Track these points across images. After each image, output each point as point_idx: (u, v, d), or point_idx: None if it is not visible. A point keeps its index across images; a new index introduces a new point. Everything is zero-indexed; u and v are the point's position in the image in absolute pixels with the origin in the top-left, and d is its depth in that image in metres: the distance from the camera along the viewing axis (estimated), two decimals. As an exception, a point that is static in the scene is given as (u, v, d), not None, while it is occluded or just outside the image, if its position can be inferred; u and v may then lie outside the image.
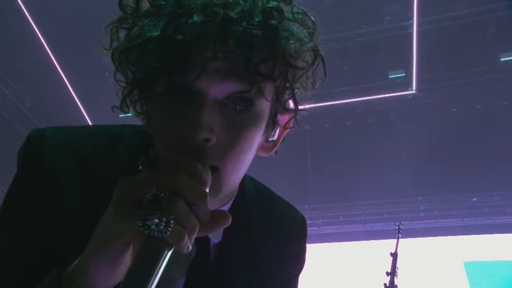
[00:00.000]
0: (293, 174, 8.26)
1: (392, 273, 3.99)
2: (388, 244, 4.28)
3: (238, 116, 0.66)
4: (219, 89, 0.63)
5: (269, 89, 0.67)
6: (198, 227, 0.54)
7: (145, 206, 0.51)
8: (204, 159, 0.62)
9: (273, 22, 0.63)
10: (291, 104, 0.73)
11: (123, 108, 0.71)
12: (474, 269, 7.97)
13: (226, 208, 0.81)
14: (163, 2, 0.63)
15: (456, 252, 8.10)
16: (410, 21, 7.03)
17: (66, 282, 0.58)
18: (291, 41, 0.66)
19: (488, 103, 7.94)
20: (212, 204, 0.61)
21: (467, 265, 8.01)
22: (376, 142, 8.07)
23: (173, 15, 0.62)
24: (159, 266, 0.50)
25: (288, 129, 0.79)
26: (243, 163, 0.69)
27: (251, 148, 0.70)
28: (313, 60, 0.71)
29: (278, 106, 0.71)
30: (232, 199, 0.82)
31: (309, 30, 0.70)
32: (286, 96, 0.71)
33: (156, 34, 0.62)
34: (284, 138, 0.79)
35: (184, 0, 0.62)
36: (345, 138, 8.24)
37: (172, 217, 0.51)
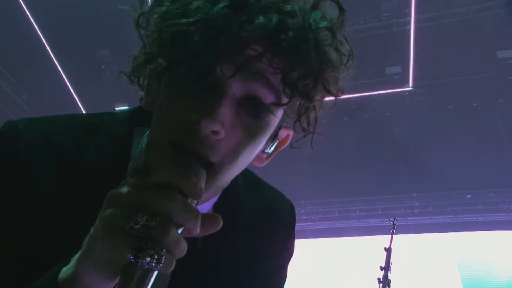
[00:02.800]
0: (289, 169, 8.27)
1: (386, 268, 4.03)
2: (383, 240, 4.31)
3: (250, 121, 0.64)
4: (244, 86, 0.62)
5: (289, 105, 0.67)
6: (186, 248, 0.53)
7: (135, 234, 0.50)
8: (204, 151, 0.61)
9: (325, 43, 0.63)
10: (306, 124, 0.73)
11: (131, 77, 0.69)
12: (467, 266, 8.04)
13: (213, 200, 0.80)
14: None
15: (449, 249, 8.16)
16: (408, 18, 7.02)
17: None
18: (333, 57, 0.65)
19: (485, 100, 7.97)
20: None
21: (460, 261, 8.08)
22: (372, 138, 8.09)
23: (236, 8, 0.60)
24: (145, 286, 0.50)
25: (284, 146, 0.78)
26: (239, 166, 0.68)
27: (251, 153, 0.69)
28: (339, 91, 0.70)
29: (284, 119, 0.71)
30: (218, 194, 0.81)
31: (344, 58, 0.69)
32: (298, 113, 0.70)
33: (211, 17, 0.59)
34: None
35: None
36: (341, 134, 8.25)
37: (164, 251, 0.50)
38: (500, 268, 7.90)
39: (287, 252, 0.95)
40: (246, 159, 0.69)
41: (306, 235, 8.72)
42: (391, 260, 4.07)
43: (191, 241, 0.74)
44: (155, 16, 0.65)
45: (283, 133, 0.75)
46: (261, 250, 0.87)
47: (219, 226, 0.57)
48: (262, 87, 0.62)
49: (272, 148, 0.76)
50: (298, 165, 8.63)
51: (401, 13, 7.15)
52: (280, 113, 0.67)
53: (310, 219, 8.95)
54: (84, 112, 8.20)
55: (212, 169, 0.64)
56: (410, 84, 7.83)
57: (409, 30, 7.07)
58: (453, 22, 6.95)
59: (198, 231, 0.55)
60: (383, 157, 8.10)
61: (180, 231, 0.53)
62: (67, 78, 7.93)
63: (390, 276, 4.01)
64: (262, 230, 0.88)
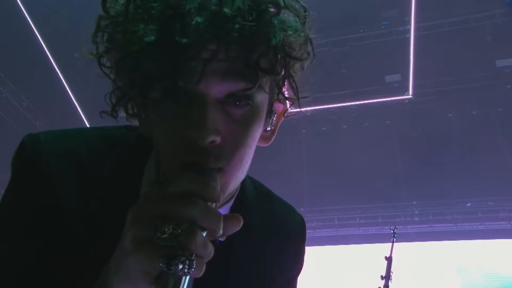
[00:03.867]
0: (289, 177, 8.26)
1: (387, 277, 4.00)
2: (383, 248, 4.29)
3: (240, 112, 0.65)
4: (220, 89, 0.63)
5: (267, 82, 0.67)
6: (213, 251, 0.55)
7: (164, 243, 0.52)
8: (209, 161, 0.62)
9: (268, 16, 0.62)
10: (290, 92, 0.73)
11: (113, 113, 0.69)
12: (468, 274, 8.00)
13: (227, 207, 0.81)
14: (154, 4, 0.61)
15: (449, 257, 8.12)
16: (408, 26, 7.06)
17: None
18: (289, 32, 0.65)
19: (484, 109, 7.99)
20: None
21: (461, 270, 8.04)
22: (372, 146, 8.09)
23: (171, 17, 0.60)
24: None
25: (284, 116, 0.79)
26: (248, 158, 0.69)
27: (254, 141, 0.70)
28: (312, 49, 0.71)
29: (276, 96, 0.72)
30: (233, 199, 0.82)
31: (302, 19, 0.70)
32: (281, 86, 0.71)
33: (154, 38, 0.60)
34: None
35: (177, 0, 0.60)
36: (341, 141, 8.25)
37: (194, 256, 0.52)
38: (500, 277, 7.86)
39: (298, 265, 0.96)
40: (252, 148, 0.70)
41: (306, 242, 8.67)
42: (392, 269, 4.05)
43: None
44: (115, 58, 0.66)
45: (278, 106, 0.76)
46: (271, 259, 0.89)
47: (240, 225, 0.60)
48: (237, 80, 0.63)
49: (273, 123, 0.77)
50: (298, 173, 8.62)
51: (401, 21, 7.19)
52: (266, 90, 0.68)
53: (310, 226, 8.92)
54: (84, 118, 8.22)
55: (222, 173, 0.65)
56: (410, 92, 7.85)
57: (409, 38, 7.10)
58: (453, 30, 6.99)
59: (221, 232, 0.57)
60: (382, 165, 8.09)
61: (204, 234, 0.55)
62: (67, 85, 7.95)
63: (390, 285, 3.98)
64: (273, 240, 0.89)
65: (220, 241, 0.80)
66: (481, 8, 6.85)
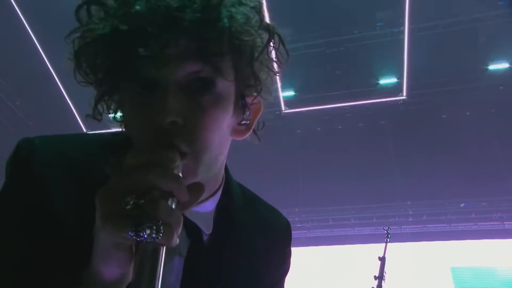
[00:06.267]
0: (284, 177, 8.27)
1: (380, 277, 4.02)
2: (377, 248, 4.31)
3: (202, 97, 0.68)
4: (177, 73, 0.66)
5: (227, 68, 0.69)
6: (182, 219, 0.57)
7: (130, 214, 0.55)
8: (174, 141, 0.65)
9: (214, 3, 0.65)
10: (253, 81, 0.73)
11: (95, 115, 0.73)
12: (461, 274, 8.05)
13: (213, 202, 0.83)
14: (111, 6, 0.66)
15: (443, 257, 8.17)
16: (402, 28, 7.10)
17: None
18: (238, 17, 0.68)
19: (477, 110, 8.05)
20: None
21: (454, 270, 8.09)
22: (367, 146, 8.13)
23: (118, 12, 0.64)
24: (159, 264, 0.54)
25: (260, 111, 0.80)
26: (213, 143, 0.71)
27: (219, 128, 0.71)
28: (268, 37, 0.72)
29: (242, 86, 0.73)
30: (219, 195, 0.84)
31: (254, 7, 0.71)
32: (246, 74, 0.72)
33: (105, 31, 0.64)
34: (261, 123, 0.82)
35: None
36: (335, 142, 8.28)
37: (160, 222, 0.54)
38: (494, 277, 7.92)
39: (284, 266, 0.98)
40: (217, 135, 0.71)
41: (300, 243, 8.69)
42: (385, 269, 4.07)
43: (197, 241, 0.79)
44: (75, 55, 0.69)
45: (251, 100, 0.77)
46: (259, 259, 0.90)
47: (204, 190, 0.62)
48: (190, 63, 0.66)
49: (248, 118, 0.78)
50: (293, 173, 8.64)
51: (395, 23, 7.22)
52: (226, 76, 0.69)
53: (304, 227, 8.93)
54: (78, 117, 8.18)
55: (190, 158, 0.67)
56: (404, 93, 7.89)
57: (403, 40, 7.14)
58: (447, 32, 7.03)
59: (186, 197, 0.59)
60: (377, 165, 8.13)
61: (173, 206, 0.58)
62: (61, 84, 7.91)
63: (384, 285, 4.00)
64: (259, 240, 0.91)
65: (208, 240, 0.82)
66: (475, 11, 6.90)
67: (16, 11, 6.83)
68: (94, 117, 0.73)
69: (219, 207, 0.84)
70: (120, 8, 0.64)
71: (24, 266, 0.70)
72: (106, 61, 0.67)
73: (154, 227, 0.53)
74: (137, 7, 0.63)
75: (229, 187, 0.88)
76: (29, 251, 0.71)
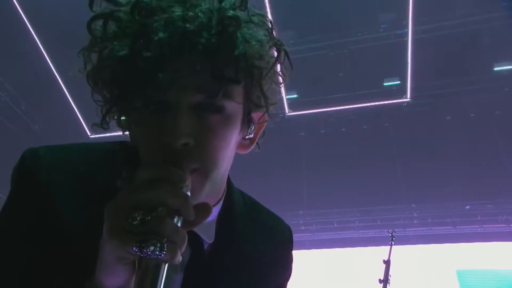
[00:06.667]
0: (288, 180, 8.26)
1: (385, 281, 4.00)
2: (382, 251, 4.29)
3: (212, 118, 0.70)
4: (191, 99, 0.68)
5: (237, 92, 0.71)
6: (186, 237, 0.59)
7: (136, 230, 0.57)
8: (184, 161, 0.66)
9: (230, 29, 0.67)
10: (262, 100, 0.75)
11: (103, 125, 0.74)
12: (467, 277, 8.00)
13: (215, 211, 0.84)
14: (128, 24, 0.67)
15: (449, 260, 8.12)
16: (406, 30, 7.09)
17: None
18: (253, 43, 0.69)
19: (481, 112, 8.01)
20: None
21: (460, 273, 8.03)
22: (371, 149, 8.10)
23: (138, 34, 0.65)
24: (159, 280, 0.56)
25: (264, 125, 0.82)
26: (222, 160, 0.73)
27: (228, 146, 0.73)
28: (277, 55, 0.74)
29: (250, 105, 0.75)
30: (220, 204, 0.85)
31: (267, 30, 0.74)
32: (256, 95, 0.74)
33: (124, 53, 0.66)
34: (264, 133, 0.83)
35: (147, 19, 0.65)
36: (339, 144, 8.26)
37: (165, 240, 0.55)
38: (500, 280, 7.86)
39: (286, 272, 0.99)
40: (226, 151, 0.73)
41: (305, 246, 8.67)
42: (390, 272, 4.05)
43: (198, 251, 0.81)
44: (92, 73, 0.72)
45: (256, 116, 0.79)
46: (262, 266, 0.91)
47: (210, 212, 0.64)
48: (204, 90, 0.67)
49: (252, 132, 0.80)
50: (297, 176, 8.62)
51: (399, 25, 7.21)
52: (236, 99, 0.71)
53: (308, 229, 8.91)
54: (83, 122, 8.22)
55: (198, 172, 0.69)
56: (408, 95, 7.87)
57: (406, 41, 7.12)
58: (451, 34, 7.01)
59: (193, 216, 0.61)
60: (382, 168, 8.10)
61: (179, 224, 0.59)
62: (66, 88, 7.95)
63: (389, 288, 3.98)
64: (261, 247, 0.92)
65: (210, 249, 0.83)
66: (479, 12, 6.88)
67: (21, 14, 6.87)
68: (102, 126, 0.75)
69: (221, 216, 0.85)
70: (140, 30, 0.65)
71: (29, 274, 0.71)
72: (122, 82, 0.68)
73: (158, 245, 0.55)
74: (161, 35, 0.64)
75: (231, 195, 0.89)
76: (33, 259, 0.72)
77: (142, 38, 0.65)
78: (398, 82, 7.91)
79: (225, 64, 0.66)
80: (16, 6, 6.79)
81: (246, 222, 0.90)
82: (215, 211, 0.84)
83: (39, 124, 8.61)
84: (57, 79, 7.74)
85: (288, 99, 8.07)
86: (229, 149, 0.74)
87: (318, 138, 8.66)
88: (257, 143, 0.84)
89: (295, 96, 8.13)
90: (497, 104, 7.89)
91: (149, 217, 0.57)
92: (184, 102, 0.67)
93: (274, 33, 0.75)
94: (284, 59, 0.76)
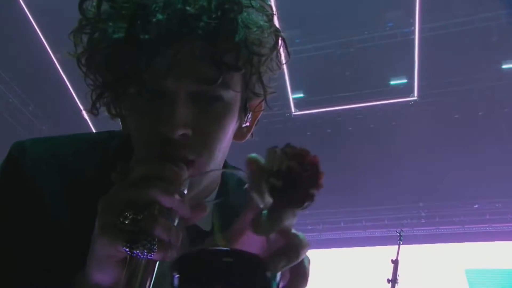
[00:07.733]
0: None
1: (393, 280, 3.98)
2: (390, 251, 4.27)
3: (211, 108, 0.68)
4: (188, 85, 0.65)
5: (236, 80, 0.69)
6: (181, 235, 0.57)
7: (126, 229, 0.55)
8: (182, 153, 0.65)
9: (231, 14, 0.64)
10: (260, 89, 0.74)
11: (93, 111, 0.72)
12: (475, 277, 7.94)
13: (211, 197, 0.82)
14: (124, 4, 0.64)
15: (457, 259, 8.06)
16: (412, 28, 7.03)
17: None
18: (253, 29, 0.67)
19: (490, 110, 7.94)
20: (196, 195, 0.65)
21: (468, 272, 7.97)
22: (378, 147, 8.06)
23: (135, 16, 0.62)
24: (150, 277, 0.55)
25: (260, 113, 0.80)
26: (219, 151, 0.71)
27: (226, 136, 0.71)
28: (275, 42, 0.72)
29: (248, 93, 0.73)
30: (216, 191, 0.84)
31: (267, 15, 0.71)
32: (254, 82, 0.72)
33: (121, 36, 0.63)
34: (258, 121, 0.81)
35: (144, 0, 0.63)
36: (346, 143, 8.23)
37: (156, 240, 0.54)
38: (509, 279, 7.79)
39: None
40: (223, 143, 0.71)
41: (312, 245, 8.65)
42: (398, 272, 4.03)
43: (196, 239, 0.76)
44: (85, 57, 0.70)
45: (253, 104, 0.77)
46: None
47: (206, 212, 0.62)
48: (198, 76, 0.65)
49: (248, 121, 0.78)
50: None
51: (406, 23, 7.16)
52: (235, 88, 0.69)
53: (315, 229, 8.89)
54: (89, 122, 8.26)
55: (195, 165, 0.67)
56: (415, 94, 7.82)
57: (413, 40, 7.07)
58: (458, 31, 6.95)
59: (188, 214, 0.59)
60: (389, 167, 8.06)
61: (174, 222, 0.58)
62: (73, 89, 7.99)
63: (397, 288, 3.96)
64: None
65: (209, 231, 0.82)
66: (487, 9, 6.81)
67: (28, 15, 6.92)
68: (91, 112, 0.72)
69: (217, 203, 0.85)
70: (136, 10, 0.63)
71: (17, 269, 0.71)
72: (117, 66, 0.65)
73: (148, 245, 0.54)
74: (159, 17, 0.61)
75: (226, 182, 0.87)
76: (21, 253, 0.71)
77: (139, 19, 0.62)
78: (405, 80, 7.86)
79: (225, 51, 0.64)
80: (23, 8, 6.84)
81: (241, 210, 0.89)
82: (211, 197, 0.82)
83: (46, 125, 8.67)
84: (65, 81, 7.79)
85: (294, 99, 8.05)
86: (226, 139, 0.72)
87: (324, 137, 8.63)
88: (251, 133, 0.82)
89: (301, 95, 8.11)
90: (506, 102, 7.82)
91: (141, 216, 0.55)
92: (182, 90, 0.65)
93: (275, 17, 0.73)
94: (281, 47, 0.74)
